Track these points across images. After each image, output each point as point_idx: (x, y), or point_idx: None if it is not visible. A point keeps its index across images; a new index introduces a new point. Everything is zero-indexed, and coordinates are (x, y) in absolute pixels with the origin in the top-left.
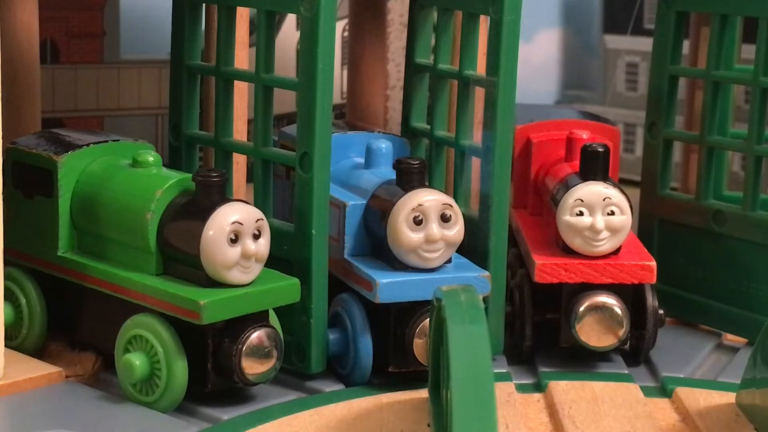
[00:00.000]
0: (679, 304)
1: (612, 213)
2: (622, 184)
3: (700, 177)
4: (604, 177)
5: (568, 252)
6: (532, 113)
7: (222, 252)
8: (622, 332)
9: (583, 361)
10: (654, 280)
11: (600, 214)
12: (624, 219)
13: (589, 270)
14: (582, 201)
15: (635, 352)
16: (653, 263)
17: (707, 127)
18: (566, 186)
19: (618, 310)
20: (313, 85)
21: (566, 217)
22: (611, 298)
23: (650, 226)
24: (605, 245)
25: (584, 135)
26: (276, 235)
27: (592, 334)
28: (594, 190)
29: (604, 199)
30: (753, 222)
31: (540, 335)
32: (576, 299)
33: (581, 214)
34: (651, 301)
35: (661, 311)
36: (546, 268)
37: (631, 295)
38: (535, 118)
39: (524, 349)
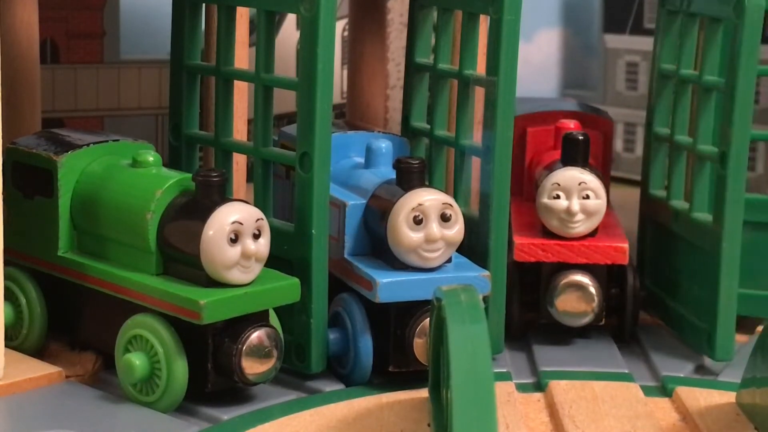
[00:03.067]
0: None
1: (587, 197)
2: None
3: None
4: (583, 163)
5: (547, 234)
6: (529, 105)
7: (222, 252)
8: (594, 307)
9: (583, 361)
10: (626, 261)
11: (576, 197)
12: (598, 203)
13: (565, 250)
14: (559, 185)
15: (619, 331)
16: (626, 245)
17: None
18: (549, 171)
19: (591, 289)
20: (313, 85)
21: (544, 200)
22: (586, 277)
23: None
24: (581, 227)
25: (571, 125)
26: (276, 235)
27: (567, 310)
28: (570, 175)
29: (579, 184)
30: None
31: (528, 314)
32: (553, 278)
33: (558, 197)
34: (631, 281)
35: (643, 291)
36: (524, 248)
37: (605, 274)
38: (532, 110)
39: (513, 327)
